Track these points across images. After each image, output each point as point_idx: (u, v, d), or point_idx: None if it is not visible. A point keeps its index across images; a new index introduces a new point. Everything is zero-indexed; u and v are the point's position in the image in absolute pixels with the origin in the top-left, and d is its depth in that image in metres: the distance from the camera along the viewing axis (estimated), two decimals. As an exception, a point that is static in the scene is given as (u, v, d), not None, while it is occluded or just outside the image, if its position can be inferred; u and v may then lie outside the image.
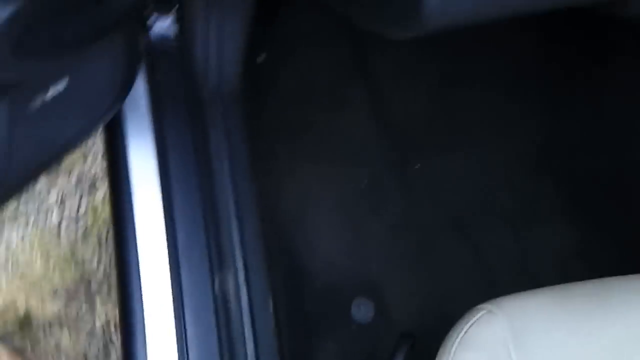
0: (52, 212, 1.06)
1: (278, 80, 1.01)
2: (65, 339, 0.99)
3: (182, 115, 0.78)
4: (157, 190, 0.75)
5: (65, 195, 1.06)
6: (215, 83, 0.80)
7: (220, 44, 0.78)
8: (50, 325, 0.98)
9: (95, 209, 1.07)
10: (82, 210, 1.06)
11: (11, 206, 1.03)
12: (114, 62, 0.61)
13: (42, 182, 1.04)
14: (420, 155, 1.00)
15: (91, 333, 0.99)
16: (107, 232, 1.04)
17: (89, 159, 1.07)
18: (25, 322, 1.00)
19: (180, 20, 0.77)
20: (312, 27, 1.03)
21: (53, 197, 1.05)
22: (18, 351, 0.97)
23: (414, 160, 1.00)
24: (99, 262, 1.04)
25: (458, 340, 0.56)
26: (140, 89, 0.75)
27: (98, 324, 1.00)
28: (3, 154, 0.51)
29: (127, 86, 0.66)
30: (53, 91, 0.53)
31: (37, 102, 0.52)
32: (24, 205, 1.04)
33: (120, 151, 0.73)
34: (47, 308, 1.00)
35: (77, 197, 1.06)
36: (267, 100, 1.00)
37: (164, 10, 0.76)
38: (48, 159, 0.61)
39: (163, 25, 0.78)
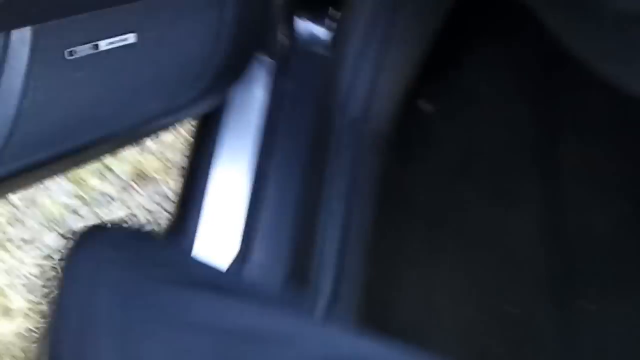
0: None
1: (434, 140, 0.86)
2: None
3: (300, 143, 0.63)
4: (239, 229, 0.59)
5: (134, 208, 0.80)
6: (356, 114, 0.62)
7: (375, 71, 0.65)
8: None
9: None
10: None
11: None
12: (217, 31, 0.41)
13: (102, 181, 0.76)
14: (594, 292, 0.82)
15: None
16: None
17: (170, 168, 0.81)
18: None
19: (333, 29, 0.65)
20: (494, 88, 0.88)
21: (116, 206, 0.79)
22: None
23: (584, 296, 0.81)
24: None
25: None
26: (258, 88, 0.58)
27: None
28: (9, 111, 0.32)
29: (233, 71, 0.46)
30: (110, 41, 0.34)
31: (81, 50, 0.33)
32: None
33: (207, 159, 0.58)
34: None
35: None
36: (413, 160, 0.83)
37: (313, 13, 0.63)
38: (91, 139, 0.40)
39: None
